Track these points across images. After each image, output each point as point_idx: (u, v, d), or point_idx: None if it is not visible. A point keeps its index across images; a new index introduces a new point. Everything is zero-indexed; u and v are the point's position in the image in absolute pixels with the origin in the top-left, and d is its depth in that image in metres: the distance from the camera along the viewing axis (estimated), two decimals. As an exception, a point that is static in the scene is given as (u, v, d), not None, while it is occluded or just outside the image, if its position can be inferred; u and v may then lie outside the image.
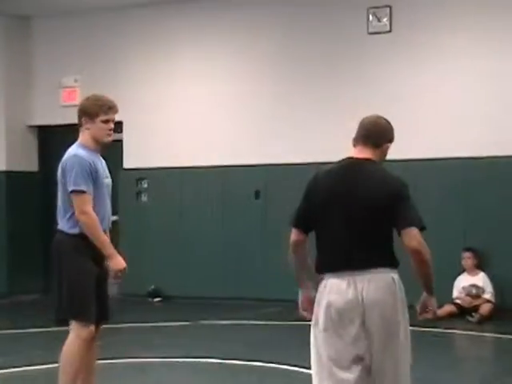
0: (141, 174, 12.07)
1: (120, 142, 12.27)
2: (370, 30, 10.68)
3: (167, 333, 9.22)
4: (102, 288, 5.36)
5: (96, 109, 5.21)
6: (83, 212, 5.09)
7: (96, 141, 5.33)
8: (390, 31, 10.60)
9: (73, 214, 5.14)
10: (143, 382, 6.68)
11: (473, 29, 10.22)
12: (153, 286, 11.75)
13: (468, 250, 9.96)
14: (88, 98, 5.29)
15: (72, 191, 5.13)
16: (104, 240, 5.20)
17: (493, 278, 9.86)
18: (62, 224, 5.23)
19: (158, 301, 11.62)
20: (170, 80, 11.92)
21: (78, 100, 12.40)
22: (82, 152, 5.26)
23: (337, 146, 10.46)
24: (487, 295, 9.78)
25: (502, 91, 10.08)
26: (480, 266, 9.98)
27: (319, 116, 10.98)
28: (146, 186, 12.12)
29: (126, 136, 12.18)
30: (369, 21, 10.68)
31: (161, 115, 11.98)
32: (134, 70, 12.14)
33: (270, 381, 6.78)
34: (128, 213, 12.11)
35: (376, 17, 10.64)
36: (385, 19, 10.60)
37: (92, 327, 5.18)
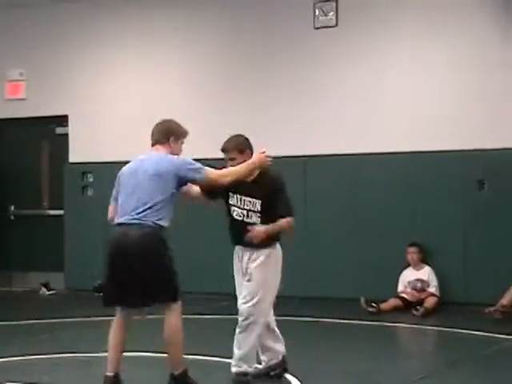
0: (86, 168, 12.00)
1: (66, 135, 12.19)
2: (317, 25, 10.74)
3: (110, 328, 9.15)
4: None
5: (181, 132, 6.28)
6: None
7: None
8: (336, 26, 10.67)
9: (163, 207, 5.82)
10: (82, 377, 6.63)
11: (421, 21, 10.31)
12: (99, 281, 11.65)
13: (413, 245, 10.08)
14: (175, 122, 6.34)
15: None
16: None
17: (437, 273, 10.00)
18: (150, 217, 5.85)
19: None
20: (116, 73, 11.87)
21: (23, 94, 12.30)
22: None
23: (279, 140, 10.67)
24: (432, 289, 9.91)
25: (453, 85, 10.18)
26: (424, 260, 10.11)
27: (263, 110, 11.00)
28: (91, 180, 12.04)
29: (72, 130, 12.11)
30: (315, 15, 10.74)
31: (107, 109, 11.91)
32: (80, 63, 12.05)
33: (199, 372, 6.83)
34: (73, 207, 12.04)
35: (322, 11, 10.70)
36: (331, 13, 10.66)
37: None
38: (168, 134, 6.08)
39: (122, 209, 6.03)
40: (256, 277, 6.00)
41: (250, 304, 5.99)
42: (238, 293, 6.20)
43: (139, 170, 5.99)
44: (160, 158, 6.02)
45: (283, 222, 6.02)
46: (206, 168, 5.96)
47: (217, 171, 5.97)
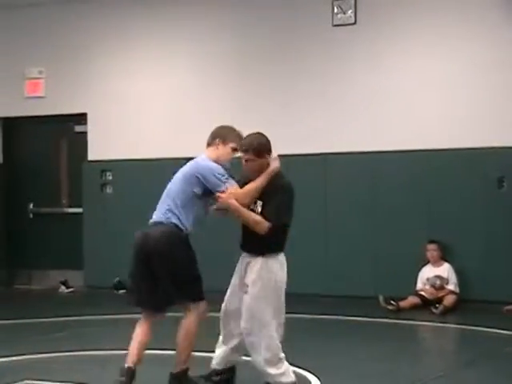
0: (105, 165, 12.04)
1: (84, 133, 12.24)
2: (335, 23, 10.74)
3: (131, 325, 9.19)
4: None
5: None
6: None
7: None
8: (354, 23, 10.66)
9: (184, 208, 5.89)
10: (101, 375, 6.65)
11: (442, 19, 10.28)
12: (118, 278, 11.73)
13: (432, 242, 10.06)
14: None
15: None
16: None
17: (456, 270, 9.98)
18: (172, 218, 5.90)
19: (124, 293, 11.61)
20: (135, 71, 11.89)
21: (42, 92, 12.37)
22: None
23: (300, 138, 10.68)
24: (451, 286, 9.88)
25: (464, 89, 10.17)
26: (444, 257, 10.09)
27: (284, 109, 11.01)
28: (110, 177, 12.08)
29: (91, 128, 12.15)
30: (334, 13, 10.73)
31: (125, 107, 11.94)
32: (98, 61, 12.09)
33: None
34: (93, 204, 12.09)
35: (341, 9, 10.70)
36: (350, 11, 10.66)
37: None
38: (215, 136, 5.99)
39: (157, 209, 6.12)
40: (251, 290, 5.67)
41: (245, 322, 5.71)
42: (227, 293, 5.95)
43: (178, 172, 6.11)
44: (196, 160, 6.03)
45: (256, 218, 5.62)
46: (232, 184, 5.77)
47: (239, 191, 5.70)
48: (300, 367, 6.44)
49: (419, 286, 10.03)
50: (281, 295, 5.71)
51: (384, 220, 10.48)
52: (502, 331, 8.35)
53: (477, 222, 10.02)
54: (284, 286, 5.71)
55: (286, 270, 5.72)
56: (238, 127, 11.00)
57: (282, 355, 5.68)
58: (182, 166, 12.40)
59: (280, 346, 5.67)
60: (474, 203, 10.04)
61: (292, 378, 5.67)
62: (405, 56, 10.44)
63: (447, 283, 9.89)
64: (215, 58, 11.49)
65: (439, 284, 9.89)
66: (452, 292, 9.80)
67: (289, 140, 10.32)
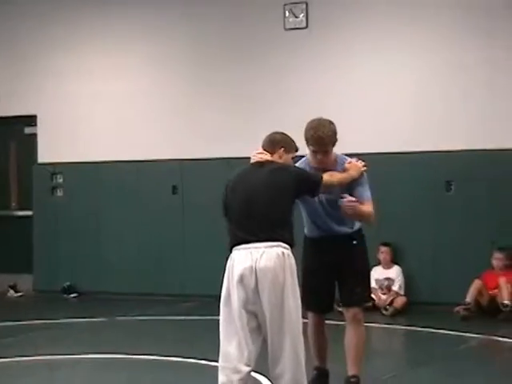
0: (56, 168, 11.91)
1: (34, 135, 12.10)
2: (287, 27, 10.77)
3: (80, 329, 9.14)
4: None
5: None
6: None
7: None
8: (306, 27, 10.70)
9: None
10: (50, 380, 6.58)
11: (386, 24, 10.37)
12: (68, 283, 11.62)
13: (385, 244, 10.13)
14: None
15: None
16: None
17: (406, 272, 10.06)
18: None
19: (74, 297, 11.50)
20: (85, 73, 11.76)
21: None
22: None
23: (249, 141, 10.67)
24: (395, 287, 9.97)
25: (411, 93, 10.25)
26: (394, 260, 10.17)
27: (234, 112, 11.00)
28: (61, 180, 11.95)
29: (41, 130, 12.01)
30: (285, 17, 10.76)
31: (76, 109, 11.82)
32: (48, 63, 11.95)
33: (179, 375, 6.80)
34: (43, 208, 11.96)
35: (292, 13, 10.73)
36: (301, 15, 10.69)
37: None
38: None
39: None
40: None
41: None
42: None
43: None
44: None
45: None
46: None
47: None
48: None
49: (372, 284, 10.07)
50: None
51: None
52: (451, 332, 8.45)
53: (426, 224, 10.11)
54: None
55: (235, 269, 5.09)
56: (192, 127, 11.12)
57: None
58: (131, 170, 12.39)
59: None
60: (423, 206, 10.13)
61: None
62: (356, 59, 10.50)
63: (393, 284, 9.98)
64: (167, 62, 11.43)
65: (387, 285, 9.98)
66: (396, 293, 9.88)
67: (241, 143, 10.30)
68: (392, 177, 10.20)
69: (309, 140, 5.62)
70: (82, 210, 11.71)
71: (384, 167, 10.21)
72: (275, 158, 5.33)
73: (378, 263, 10.15)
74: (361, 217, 5.70)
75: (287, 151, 5.38)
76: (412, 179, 10.16)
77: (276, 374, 5.03)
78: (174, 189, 11.22)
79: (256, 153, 5.37)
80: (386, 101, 10.35)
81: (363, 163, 5.79)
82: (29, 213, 12.11)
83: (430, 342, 8.19)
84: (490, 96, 9.92)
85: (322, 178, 5.39)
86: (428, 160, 10.07)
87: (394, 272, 10.07)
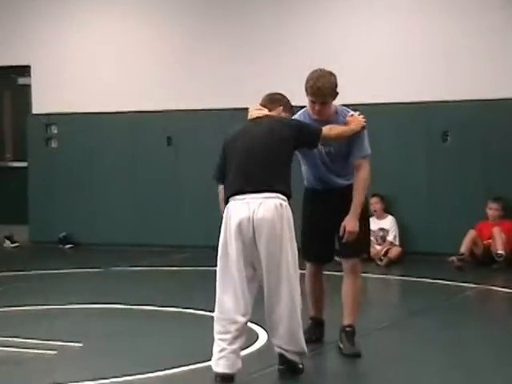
0: (50, 119, 11.82)
1: (28, 86, 11.98)
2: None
3: (77, 279, 9.15)
4: None
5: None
6: None
7: None
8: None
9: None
10: (35, 329, 6.55)
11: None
12: (64, 233, 11.61)
13: (375, 195, 10.09)
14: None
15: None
16: None
17: (400, 223, 10.06)
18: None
19: (70, 247, 11.50)
20: (82, 21, 11.62)
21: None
22: None
23: (248, 91, 10.56)
24: (390, 237, 9.99)
25: (408, 39, 10.14)
26: (387, 210, 10.16)
27: (233, 61, 10.86)
28: (55, 131, 11.87)
29: (35, 80, 11.90)
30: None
31: (71, 59, 11.70)
32: (43, 10, 11.78)
33: (175, 324, 6.79)
34: (37, 159, 11.91)
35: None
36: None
37: None
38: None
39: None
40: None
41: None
42: None
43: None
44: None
45: None
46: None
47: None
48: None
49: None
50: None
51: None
52: (446, 282, 8.46)
53: (421, 175, 10.09)
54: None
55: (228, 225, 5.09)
56: (190, 77, 10.97)
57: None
58: (125, 121, 12.35)
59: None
60: (418, 157, 10.10)
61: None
62: (349, 10, 10.36)
63: (388, 235, 9.98)
64: (163, 9, 11.28)
65: (382, 235, 9.98)
66: (391, 243, 9.89)
67: (241, 94, 10.19)
68: (388, 127, 10.14)
69: (308, 90, 5.56)
70: (77, 161, 11.65)
71: (380, 117, 10.12)
72: (274, 114, 5.37)
73: (371, 215, 10.13)
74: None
75: (285, 110, 5.42)
76: (408, 129, 10.12)
77: (272, 322, 5.08)
78: (169, 140, 11.15)
79: (254, 108, 5.38)
80: (380, 49, 10.22)
81: (363, 117, 5.73)
82: (24, 164, 12.05)
83: (425, 293, 8.19)
84: (487, 46, 9.83)
85: (321, 130, 5.37)
86: (423, 110, 9.99)
87: (388, 222, 10.06)
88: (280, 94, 5.51)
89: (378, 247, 9.89)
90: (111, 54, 11.50)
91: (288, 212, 5.04)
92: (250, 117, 5.38)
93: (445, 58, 9.99)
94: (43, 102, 11.83)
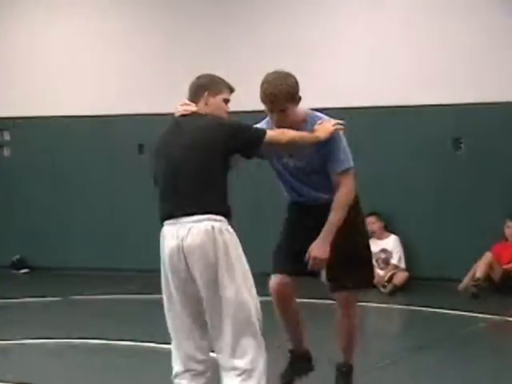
0: (1, 124, 11.84)
1: (-25, 87, 12.02)
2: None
3: (32, 310, 9.15)
4: None
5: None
6: None
7: None
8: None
9: None
10: (10, 365, 6.60)
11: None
12: (18, 256, 11.62)
13: (372, 214, 10.09)
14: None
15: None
16: None
17: (405, 244, 10.11)
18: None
19: (24, 273, 11.51)
20: (35, 13, 11.68)
21: None
22: None
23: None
24: (394, 260, 10.04)
25: (418, 39, 10.24)
26: (389, 228, 10.20)
27: (219, 51, 10.93)
28: (8, 138, 11.91)
29: (-17, 79, 11.95)
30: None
31: (27, 54, 11.74)
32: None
33: (133, 360, 6.84)
34: (-13, 170, 11.92)
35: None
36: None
37: None
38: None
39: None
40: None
41: None
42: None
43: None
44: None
45: None
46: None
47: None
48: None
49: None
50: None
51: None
52: (457, 312, 8.51)
53: (429, 188, 10.14)
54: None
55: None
56: (163, 77, 11.00)
57: None
58: (91, 126, 12.33)
59: None
60: (427, 167, 10.15)
61: None
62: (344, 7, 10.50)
63: (391, 257, 10.03)
64: (137, 2, 11.36)
65: (384, 258, 10.03)
66: (396, 267, 9.94)
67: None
68: (391, 134, 10.21)
69: (261, 97, 5.28)
70: (34, 172, 11.66)
71: (382, 123, 10.24)
72: (200, 106, 5.04)
73: (371, 236, 10.18)
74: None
75: (213, 94, 5.06)
76: (414, 136, 10.18)
77: (223, 364, 4.89)
78: (141, 147, 11.18)
79: (179, 105, 5.10)
80: (389, 50, 10.32)
81: (337, 122, 5.39)
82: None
83: (433, 324, 8.25)
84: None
85: (265, 133, 4.98)
86: (434, 115, 10.08)
87: (391, 242, 10.11)
88: (204, 75, 5.18)
89: (381, 272, 9.93)
90: (76, 49, 11.53)
91: (223, 235, 4.81)
92: (175, 114, 5.10)
93: (453, 58, 10.09)
94: (-6, 103, 11.89)
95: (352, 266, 5.47)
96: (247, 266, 4.91)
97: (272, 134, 5.02)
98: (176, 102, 5.11)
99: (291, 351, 5.85)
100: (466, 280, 9.44)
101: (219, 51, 10.88)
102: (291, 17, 10.67)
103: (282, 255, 5.58)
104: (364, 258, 5.65)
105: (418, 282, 9.88)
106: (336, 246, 5.36)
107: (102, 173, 11.40)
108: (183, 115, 5.03)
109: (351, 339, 5.72)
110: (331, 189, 5.42)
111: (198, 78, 5.16)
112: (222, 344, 4.83)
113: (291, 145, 5.16)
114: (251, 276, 4.92)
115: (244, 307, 4.84)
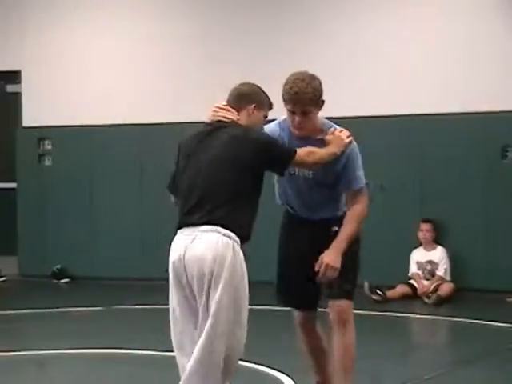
0: (43, 133, 11.91)
1: (18, 94, 12.09)
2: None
3: (74, 320, 9.18)
4: None
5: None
6: None
7: None
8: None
9: None
10: (41, 378, 6.61)
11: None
12: (58, 266, 11.66)
13: (426, 221, 10.08)
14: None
15: None
16: None
17: (452, 254, 10.03)
18: None
19: (65, 282, 11.55)
20: (76, 23, 11.73)
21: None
22: None
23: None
24: (440, 272, 9.96)
25: (461, 44, 10.19)
26: (437, 239, 10.13)
27: (262, 65, 10.92)
28: (49, 147, 11.97)
29: (26, 88, 12.01)
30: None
31: (67, 64, 11.81)
32: (34, 10, 11.92)
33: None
34: (29, 179, 11.99)
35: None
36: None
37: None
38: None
39: None
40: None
41: None
42: None
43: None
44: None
45: None
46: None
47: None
48: (272, 367, 6.49)
49: (413, 269, 10.05)
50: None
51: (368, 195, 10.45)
52: (504, 324, 8.41)
53: (476, 198, 10.07)
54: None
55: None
56: (204, 86, 11.03)
57: None
58: (130, 135, 12.39)
59: None
60: (473, 176, 10.09)
61: None
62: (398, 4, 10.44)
63: (437, 268, 9.95)
64: (171, 12, 11.40)
65: (430, 269, 9.96)
66: (442, 278, 9.85)
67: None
68: (437, 143, 10.15)
69: (284, 96, 5.08)
70: (74, 181, 11.72)
71: (427, 131, 10.18)
72: (242, 116, 4.84)
73: (419, 244, 10.11)
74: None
75: (259, 108, 4.88)
76: (461, 145, 10.11)
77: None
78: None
79: (217, 107, 4.90)
80: (429, 55, 10.28)
81: (347, 134, 5.18)
82: (12, 185, 12.13)
83: (480, 337, 8.16)
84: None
85: (295, 152, 4.84)
86: (480, 122, 9.99)
87: (438, 254, 10.04)
88: (251, 84, 4.99)
89: (426, 282, 9.87)
90: (114, 59, 11.60)
91: (229, 250, 4.54)
92: (209, 119, 4.89)
93: (502, 61, 10.01)
94: (35, 112, 11.94)
95: (340, 279, 5.17)
96: (246, 297, 4.60)
97: (300, 153, 4.88)
98: (215, 104, 4.91)
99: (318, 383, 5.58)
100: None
101: (243, 59, 10.90)
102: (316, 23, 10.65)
103: (288, 290, 5.40)
104: (351, 275, 5.33)
105: (464, 294, 9.81)
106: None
107: (142, 182, 11.41)
108: (219, 121, 4.83)
109: (348, 365, 5.29)
110: (328, 205, 5.27)
111: (242, 85, 4.97)
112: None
113: (314, 166, 5.04)
114: (247, 306, 4.62)
115: (214, 352, 4.52)
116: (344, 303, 5.27)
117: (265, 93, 4.97)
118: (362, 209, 5.21)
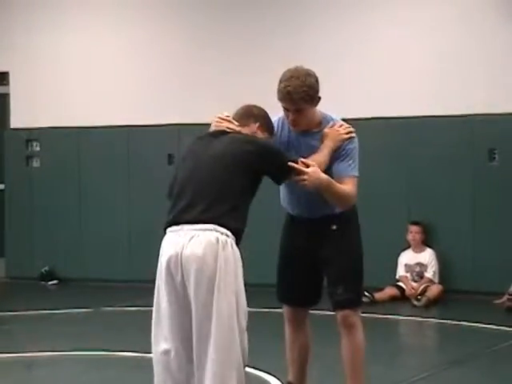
0: (31, 134, 11.91)
1: (6, 95, 12.09)
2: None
3: (62, 322, 9.18)
4: None
5: None
6: None
7: None
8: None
9: None
10: (28, 381, 6.62)
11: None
12: (46, 268, 11.65)
13: (415, 223, 10.11)
14: None
15: None
16: None
17: (440, 256, 10.07)
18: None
19: (53, 284, 11.54)
20: (66, 23, 11.76)
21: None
22: None
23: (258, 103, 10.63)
24: (429, 274, 10.00)
25: (452, 47, 10.22)
26: (426, 242, 10.16)
27: (240, 70, 10.95)
28: (37, 148, 11.96)
29: (14, 89, 12.00)
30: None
31: (55, 65, 11.81)
32: (23, 10, 11.91)
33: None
34: (16, 180, 11.98)
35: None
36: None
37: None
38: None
39: None
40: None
41: None
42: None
43: None
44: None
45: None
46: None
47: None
48: (259, 369, 6.52)
49: (400, 272, 10.09)
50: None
51: (358, 197, 10.47)
52: (492, 326, 8.45)
53: (464, 200, 10.09)
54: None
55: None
56: (192, 87, 11.04)
57: None
58: (119, 137, 12.38)
59: None
60: (461, 178, 10.11)
61: None
62: (376, 12, 10.49)
63: (426, 270, 9.99)
64: (162, 10, 11.40)
65: (418, 271, 10.00)
66: (430, 281, 9.90)
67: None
68: (425, 145, 10.17)
69: (278, 94, 5.11)
70: (62, 182, 11.71)
71: (414, 133, 10.21)
72: (245, 132, 4.91)
73: (408, 246, 10.15)
74: (332, 195, 5.13)
75: (262, 129, 4.96)
76: (449, 147, 10.13)
77: None
78: (170, 158, 11.19)
79: (220, 118, 5.00)
80: (419, 57, 10.30)
81: (347, 128, 5.28)
82: (0, 186, 12.12)
83: (468, 338, 8.21)
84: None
85: (295, 162, 4.87)
86: (468, 125, 10.02)
87: (427, 256, 10.08)
88: (259, 107, 5.04)
89: (415, 284, 9.91)
90: (102, 60, 11.60)
91: (228, 249, 4.54)
92: (212, 128, 4.99)
93: (489, 66, 10.05)
94: (23, 114, 11.94)
95: (343, 285, 5.27)
96: (243, 292, 4.63)
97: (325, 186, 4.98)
98: (218, 114, 5.01)
99: (288, 383, 5.60)
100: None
101: (249, 58, 10.91)
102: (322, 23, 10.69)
103: (288, 287, 5.45)
104: (357, 277, 5.41)
105: (452, 296, 9.84)
106: (336, 259, 5.28)
107: (130, 184, 11.42)
108: (224, 131, 4.89)
109: (357, 368, 5.37)
110: (327, 202, 5.22)
111: (253, 106, 5.03)
112: (201, 374, 4.53)
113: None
114: (245, 301, 4.65)
115: (232, 335, 4.52)
116: (348, 311, 5.31)
117: (270, 118, 5.03)
118: (350, 190, 5.25)
